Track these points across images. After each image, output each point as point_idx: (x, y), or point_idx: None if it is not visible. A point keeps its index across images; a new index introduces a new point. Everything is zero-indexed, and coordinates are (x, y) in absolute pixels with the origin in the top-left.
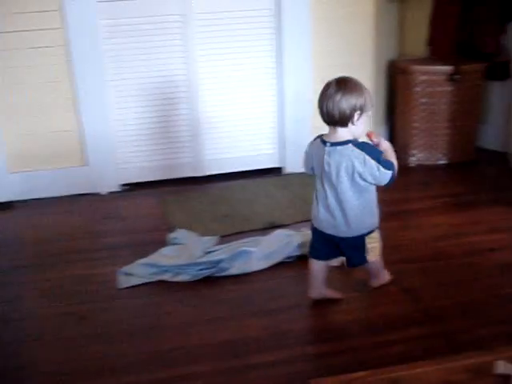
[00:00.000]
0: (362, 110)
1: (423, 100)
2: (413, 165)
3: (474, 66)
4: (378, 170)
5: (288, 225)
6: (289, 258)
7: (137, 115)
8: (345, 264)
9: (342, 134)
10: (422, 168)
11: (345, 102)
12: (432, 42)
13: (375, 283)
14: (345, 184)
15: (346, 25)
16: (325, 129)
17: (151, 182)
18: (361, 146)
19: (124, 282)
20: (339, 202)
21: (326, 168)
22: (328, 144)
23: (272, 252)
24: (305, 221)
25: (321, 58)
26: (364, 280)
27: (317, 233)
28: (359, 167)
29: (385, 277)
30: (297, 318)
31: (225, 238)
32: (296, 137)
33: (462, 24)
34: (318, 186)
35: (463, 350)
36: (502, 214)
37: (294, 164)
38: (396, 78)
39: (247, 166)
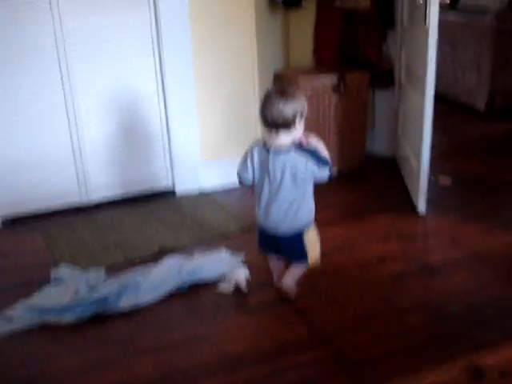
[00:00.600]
0: (302, 114)
1: (309, 113)
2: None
3: (358, 75)
4: (319, 170)
5: (180, 249)
6: (180, 287)
7: (10, 143)
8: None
9: (284, 138)
10: None
11: (288, 109)
12: (317, 51)
13: (287, 282)
14: (288, 186)
15: (226, 41)
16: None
17: (34, 215)
18: (300, 150)
19: (2, 327)
20: (281, 202)
21: (271, 172)
22: (272, 150)
23: (163, 282)
24: (198, 244)
25: (203, 75)
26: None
27: (262, 231)
28: (303, 171)
29: (294, 287)
30: (191, 351)
31: (113, 268)
32: (185, 158)
33: (345, 34)
34: (262, 190)
35: (357, 371)
36: (392, 221)
37: (186, 185)
38: None
39: (136, 190)
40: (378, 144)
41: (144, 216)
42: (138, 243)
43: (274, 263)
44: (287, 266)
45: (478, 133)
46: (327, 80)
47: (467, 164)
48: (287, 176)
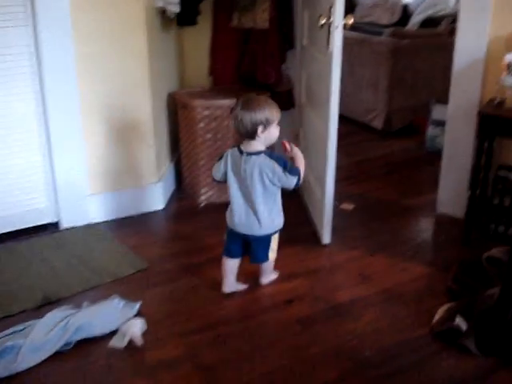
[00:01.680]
0: (265, 123)
1: (208, 136)
2: (203, 205)
3: None
4: (285, 176)
5: (67, 298)
6: (66, 344)
7: None
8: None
9: (255, 144)
10: (213, 208)
11: (248, 120)
12: (214, 72)
13: (265, 280)
14: (258, 188)
15: (116, 61)
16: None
17: None
18: (271, 155)
19: None
20: (252, 204)
21: (242, 174)
22: (244, 153)
23: (46, 342)
24: (87, 290)
25: (90, 100)
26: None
27: (232, 233)
28: (269, 174)
29: (274, 275)
30: None
31: None
32: (70, 186)
33: (244, 54)
34: (233, 191)
35: None
36: (296, 255)
37: (73, 220)
38: (178, 112)
39: (15, 225)
40: None
41: (25, 257)
42: (18, 292)
43: (231, 268)
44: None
45: (377, 153)
46: (226, 102)
47: (368, 186)
48: (256, 178)
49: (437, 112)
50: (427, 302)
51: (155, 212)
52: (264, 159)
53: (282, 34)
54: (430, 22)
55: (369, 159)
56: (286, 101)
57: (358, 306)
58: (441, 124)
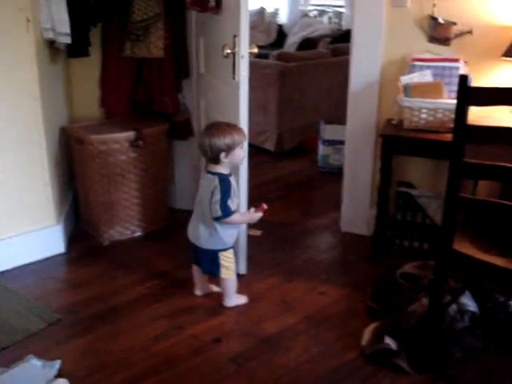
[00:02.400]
0: (227, 149)
1: (105, 171)
2: (106, 244)
3: (156, 128)
4: (216, 204)
5: None
6: None
7: None
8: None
9: (218, 167)
10: (117, 246)
11: (209, 146)
12: (106, 103)
13: (228, 302)
14: (206, 204)
15: (9, 96)
16: None
17: None
18: (222, 181)
19: None
20: (202, 218)
21: (199, 189)
22: (205, 171)
23: None
24: None
25: None
26: None
27: (189, 241)
28: (209, 194)
29: (241, 300)
30: None
31: None
32: None
33: (138, 83)
34: (195, 201)
35: None
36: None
37: None
38: (73, 148)
39: None
40: (181, 198)
41: None
42: None
43: (196, 272)
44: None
45: (272, 175)
46: (123, 135)
47: (270, 210)
48: (205, 196)
49: (327, 132)
50: (351, 324)
51: (57, 256)
52: (214, 180)
53: (177, 63)
54: (308, 43)
55: (266, 182)
56: (184, 130)
57: (287, 336)
58: (332, 143)
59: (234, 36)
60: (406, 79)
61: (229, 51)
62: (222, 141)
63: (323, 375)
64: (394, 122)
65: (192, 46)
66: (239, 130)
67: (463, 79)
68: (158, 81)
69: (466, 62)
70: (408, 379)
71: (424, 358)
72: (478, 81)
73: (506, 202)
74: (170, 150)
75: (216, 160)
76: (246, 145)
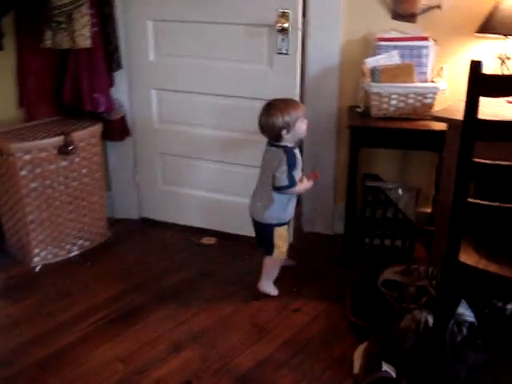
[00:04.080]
0: (287, 126)
1: (34, 185)
2: (39, 269)
3: (87, 130)
4: (282, 174)
5: None
6: None
7: None
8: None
9: (281, 142)
10: (51, 270)
11: (269, 126)
12: (25, 103)
13: (263, 286)
14: (267, 176)
15: None
16: None
17: None
18: (287, 152)
19: None
20: (261, 191)
21: (262, 162)
22: (269, 144)
23: None
24: None
25: None
26: None
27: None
28: (275, 163)
29: (273, 291)
30: None
31: None
32: None
33: (65, 80)
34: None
35: None
36: (173, 316)
37: None
38: None
39: None
40: (120, 208)
41: None
42: None
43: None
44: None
45: None
46: (50, 141)
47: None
48: (267, 169)
49: None
50: (336, 346)
51: None
52: (279, 152)
53: (108, 53)
54: None
55: None
56: (119, 130)
57: (268, 370)
58: None
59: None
60: (372, 62)
61: (286, 25)
62: (281, 119)
63: None
64: (359, 110)
65: (122, 33)
66: (297, 105)
67: (476, 65)
68: (87, 75)
69: (435, 41)
70: None
71: (428, 383)
72: (447, 59)
73: None
74: (104, 153)
75: (278, 138)
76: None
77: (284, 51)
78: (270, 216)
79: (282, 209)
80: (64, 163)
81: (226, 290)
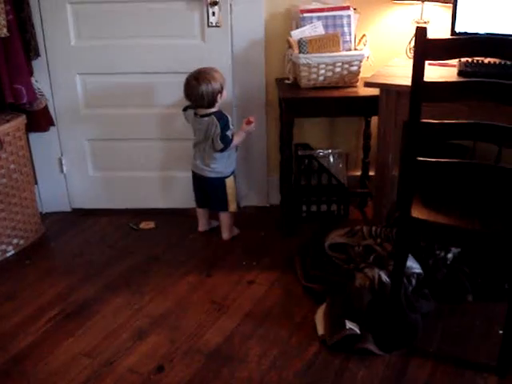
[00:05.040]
0: (221, 89)
1: None
2: None
3: (12, 123)
4: (217, 138)
5: None
6: None
7: None
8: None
9: (209, 109)
10: None
11: (207, 91)
12: None
13: (227, 235)
14: (206, 143)
15: None
16: None
17: None
18: (218, 118)
19: None
20: (204, 153)
21: (197, 132)
22: (198, 116)
23: None
24: None
25: None
26: None
27: (194, 179)
28: (212, 131)
29: (235, 231)
30: None
31: None
32: None
33: None
34: (194, 141)
35: None
36: (133, 305)
37: None
38: None
39: None
40: (49, 202)
41: None
42: None
43: (200, 214)
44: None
45: None
46: None
47: None
48: (205, 135)
49: None
50: (296, 312)
51: None
52: (211, 120)
53: (25, 41)
54: None
55: None
56: (44, 120)
57: (236, 343)
58: None
59: None
60: (297, 34)
61: None
62: (216, 84)
63: (295, 380)
64: (288, 82)
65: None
66: (218, 71)
67: (421, 32)
68: (5, 66)
69: (355, 9)
70: (382, 362)
71: (390, 335)
72: (368, 27)
73: (468, 161)
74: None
75: (213, 103)
76: None
77: (216, 24)
78: (219, 171)
79: (227, 162)
80: None
81: (177, 271)
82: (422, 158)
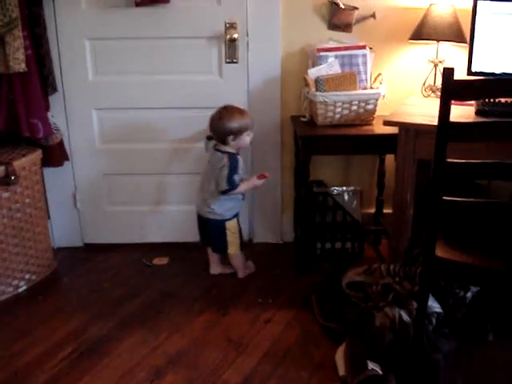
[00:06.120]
0: (235, 133)
1: None
2: None
3: (28, 158)
4: (223, 178)
5: None
6: None
7: None
8: None
9: (225, 147)
10: (2, 308)
11: (220, 128)
12: None
13: (240, 275)
14: (212, 179)
15: None
16: None
17: None
18: (231, 159)
19: None
20: (207, 192)
21: (208, 165)
22: (214, 148)
23: None
24: None
25: None
26: None
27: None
28: (217, 171)
29: (250, 268)
30: None
31: None
32: None
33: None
34: (202, 175)
35: None
36: (149, 343)
37: None
38: None
39: None
40: (61, 237)
41: None
42: None
43: (210, 254)
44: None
45: None
46: None
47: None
48: (212, 172)
49: None
50: (315, 352)
51: None
52: (222, 157)
53: (43, 76)
54: None
55: None
56: (59, 155)
57: (256, 383)
58: None
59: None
60: (314, 72)
61: (236, 36)
62: (231, 125)
63: None
64: (304, 120)
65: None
66: (248, 116)
67: (449, 72)
68: (23, 100)
69: (371, 48)
70: None
71: (412, 376)
72: (383, 65)
73: (496, 201)
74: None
75: (224, 141)
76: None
77: (234, 60)
78: (219, 213)
79: (228, 205)
80: (6, 194)
81: (192, 308)
82: (447, 198)
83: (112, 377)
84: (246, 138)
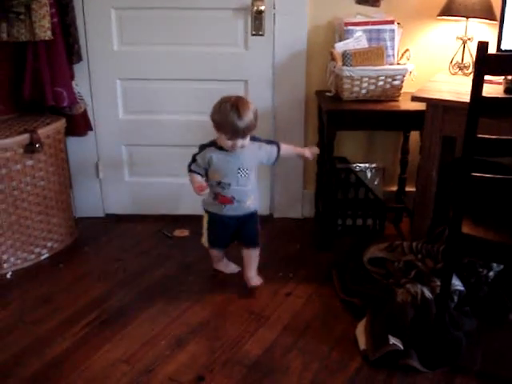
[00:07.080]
0: (215, 125)
1: (0, 186)
2: (10, 276)
3: (52, 126)
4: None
5: None
6: None
7: None
8: None
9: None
10: (24, 276)
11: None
12: None
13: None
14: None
15: None
16: None
17: None
18: (200, 148)
19: None
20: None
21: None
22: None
23: None
24: None
25: None
26: None
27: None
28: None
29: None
30: None
31: None
32: None
33: (23, 74)
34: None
35: None
36: (171, 313)
37: None
38: None
39: None
40: (82, 207)
41: None
42: None
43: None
44: None
45: None
46: (14, 139)
47: None
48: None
49: None
50: (336, 325)
51: None
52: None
53: (68, 45)
54: None
55: None
56: (83, 124)
57: (276, 355)
58: None
59: None
60: (341, 46)
61: (262, 7)
62: (214, 114)
63: None
64: (329, 94)
65: (80, 23)
66: (225, 107)
67: (483, 46)
68: (48, 69)
69: (399, 24)
70: (426, 380)
71: (433, 353)
72: (411, 41)
73: None
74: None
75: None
76: None
77: (260, 33)
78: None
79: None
80: (30, 162)
81: (213, 280)
82: (476, 174)
83: (133, 345)
84: (223, 137)
